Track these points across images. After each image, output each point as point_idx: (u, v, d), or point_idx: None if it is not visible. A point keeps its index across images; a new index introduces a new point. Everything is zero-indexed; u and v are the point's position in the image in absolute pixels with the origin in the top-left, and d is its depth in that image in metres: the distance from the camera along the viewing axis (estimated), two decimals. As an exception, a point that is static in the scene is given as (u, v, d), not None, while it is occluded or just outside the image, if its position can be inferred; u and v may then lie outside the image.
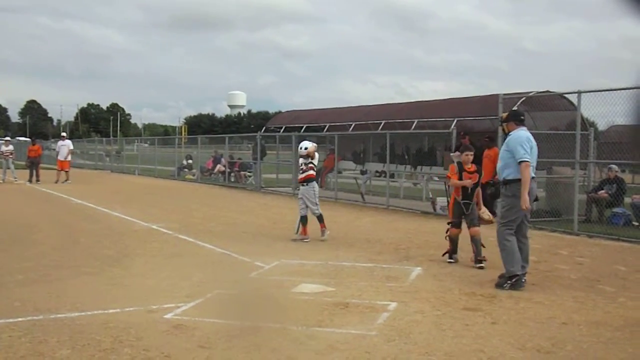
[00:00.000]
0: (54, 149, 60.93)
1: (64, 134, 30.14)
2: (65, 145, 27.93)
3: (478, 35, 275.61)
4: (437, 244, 10.92)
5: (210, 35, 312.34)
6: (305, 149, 12.00)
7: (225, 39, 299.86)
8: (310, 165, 11.89)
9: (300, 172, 12.03)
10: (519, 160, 7.99)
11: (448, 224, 9.64)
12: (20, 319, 6.29)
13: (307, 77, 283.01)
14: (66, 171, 27.46)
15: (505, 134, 8.51)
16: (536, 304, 7.19)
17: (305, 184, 11.85)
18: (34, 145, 28.96)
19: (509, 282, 7.85)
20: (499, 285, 7.89)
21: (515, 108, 9.06)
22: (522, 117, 8.42)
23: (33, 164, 27.66)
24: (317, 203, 11.79)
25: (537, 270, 9.12)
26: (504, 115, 8.66)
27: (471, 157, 9.61)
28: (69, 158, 27.97)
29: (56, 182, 26.79)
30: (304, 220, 11.67)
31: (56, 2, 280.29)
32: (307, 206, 11.72)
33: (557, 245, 11.54)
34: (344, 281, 8.26)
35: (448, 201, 9.63)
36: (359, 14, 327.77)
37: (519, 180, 7.97)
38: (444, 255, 9.59)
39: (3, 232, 12.59)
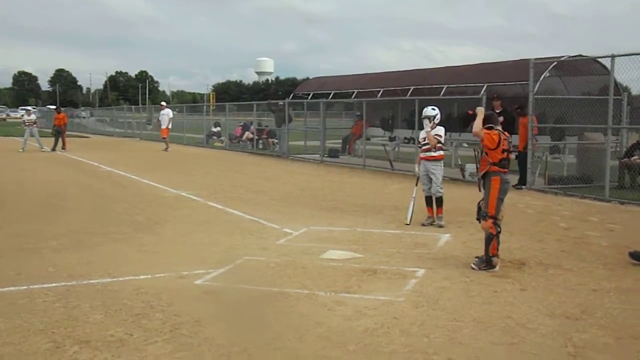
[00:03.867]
0: (84, 117, 61.89)
1: (163, 103, 30.74)
2: (165, 114, 28.88)
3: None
4: (466, 210, 10.86)
5: (230, 1, 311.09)
6: (434, 109, 10.04)
7: (246, 5, 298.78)
8: (440, 145, 10.06)
9: (428, 147, 10.01)
10: None
11: (490, 217, 7.20)
12: (54, 285, 6.43)
13: (330, 42, 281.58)
14: (164, 138, 28.56)
15: None
16: (565, 271, 7.14)
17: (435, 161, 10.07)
18: (59, 113, 29.28)
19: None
20: (637, 258, 7.37)
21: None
22: None
23: (58, 133, 27.98)
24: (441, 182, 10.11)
25: (567, 237, 9.04)
26: None
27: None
28: (170, 126, 28.93)
29: (166, 149, 28.14)
30: (429, 201, 10.08)
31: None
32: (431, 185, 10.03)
33: (588, 212, 11.41)
34: (372, 248, 8.28)
35: (477, 167, 8.68)
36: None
37: None
38: (485, 267, 7.15)
39: (35, 199, 12.80)
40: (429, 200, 10.10)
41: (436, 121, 9.99)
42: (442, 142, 10.13)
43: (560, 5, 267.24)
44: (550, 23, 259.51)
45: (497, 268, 7.09)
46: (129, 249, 8.29)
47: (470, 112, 7.67)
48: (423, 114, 10.17)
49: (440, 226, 9.83)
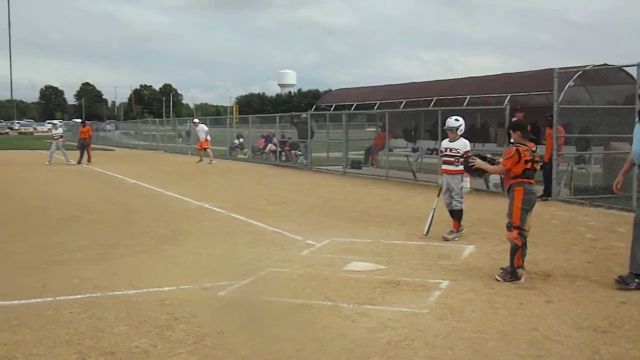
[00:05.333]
0: (109, 130, 62.56)
1: (196, 120, 31.39)
2: (200, 130, 29.48)
3: (522, 7, 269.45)
4: (490, 221, 10.79)
5: (250, 14, 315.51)
6: (457, 120, 9.77)
7: (266, 18, 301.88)
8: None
9: (451, 159, 9.70)
10: None
11: (515, 228, 7.12)
12: (79, 296, 6.48)
13: (350, 54, 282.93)
14: (205, 148, 29.13)
15: None
16: (592, 282, 7.04)
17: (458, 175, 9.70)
18: (84, 127, 29.67)
19: (637, 280, 6.79)
20: (624, 283, 6.79)
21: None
22: None
23: (83, 146, 28.31)
24: (463, 196, 9.86)
25: (594, 248, 8.92)
26: None
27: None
28: (208, 138, 29.48)
29: (199, 161, 28.69)
30: (458, 214, 9.76)
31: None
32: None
33: (615, 222, 11.26)
34: (395, 259, 8.24)
35: (501, 179, 8.60)
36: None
37: None
38: (510, 279, 7.05)
39: (61, 211, 12.94)
40: (451, 214, 9.83)
41: (459, 132, 9.73)
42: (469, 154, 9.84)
43: (578, 13, 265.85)
44: (569, 31, 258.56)
45: (522, 279, 7.01)
46: (153, 260, 8.34)
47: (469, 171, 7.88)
48: (446, 125, 9.94)
49: (446, 239, 9.47)
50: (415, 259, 8.25)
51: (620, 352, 4.92)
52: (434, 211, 9.92)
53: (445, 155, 9.86)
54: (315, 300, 6.31)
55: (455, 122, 9.73)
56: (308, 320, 5.69)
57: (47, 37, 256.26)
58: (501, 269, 7.26)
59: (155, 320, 5.69)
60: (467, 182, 9.62)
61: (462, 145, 9.68)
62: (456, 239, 9.58)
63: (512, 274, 7.04)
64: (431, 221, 9.85)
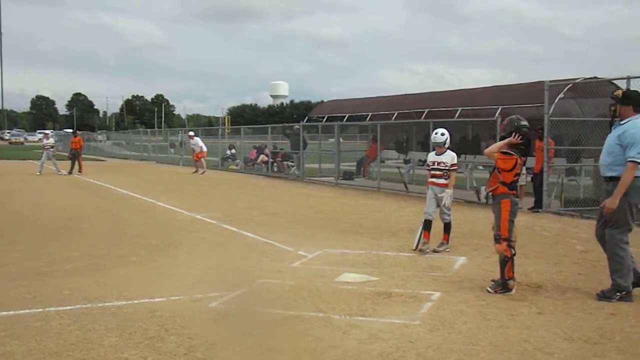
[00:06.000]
0: (100, 140, 62.47)
1: (191, 133, 31.30)
2: (195, 143, 29.42)
3: (514, 21, 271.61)
4: (481, 233, 10.81)
5: (242, 25, 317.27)
6: (442, 134, 9.70)
7: (258, 29, 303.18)
8: (453, 169, 9.69)
9: (440, 173, 9.65)
10: (629, 159, 6.65)
11: (504, 240, 7.09)
12: (69, 307, 6.44)
13: (343, 66, 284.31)
14: (197, 160, 29.14)
15: (614, 118, 7.15)
16: (583, 294, 7.06)
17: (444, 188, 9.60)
18: (75, 137, 29.61)
19: (618, 294, 6.78)
20: (606, 297, 6.79)
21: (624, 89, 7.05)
22: None
23: (74, 156, 28.23)
24: (450, 208, 9.76)
25: (585, 260, 8.95)
26: (620, 93, 7.19)
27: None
28: (205, 148, 29.47)
29: (195, 172, 28.71)
30: (428, 225, 9.64)
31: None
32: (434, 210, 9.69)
33: (605, 234, 11.28)
34: (387, 270, 8.24)
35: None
36: (391, 1, 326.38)
37: (636, 177, 6.72)
38: (502, 290, 7.05)
39: (51, 222, 12.89)
40: (427, 224, 9.62)
41: (447, 145, 9.70)
42: (454, 168, 9.75)
43: (570, 27, 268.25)
44: (561, 45, 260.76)
45: (513, 291, 7.02)
46: (144, 271, 8.30)
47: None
48: (432, 141, 9.88)
49: (436, 251, 9.42)
50: (407, 271, 8.25)
51: (611, 364, 4.93)
52: (421, 230, 9.77)
53: (433, 169, 9.75)
54: (306, 312, 6.29)
55: (442, 136, 9.66)
56: (300, 332, 5.68)
57: (39, 46, 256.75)
58: (492, 281, 7.27)
59: (146, 332, 5.66)
60: (449, 193, 9.53)
61: (450, 158, 9.67)
62: (447, 250, 9.58)
63: (503, 285, 7.05)
64: (420, 235, 9.75)
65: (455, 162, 9.78)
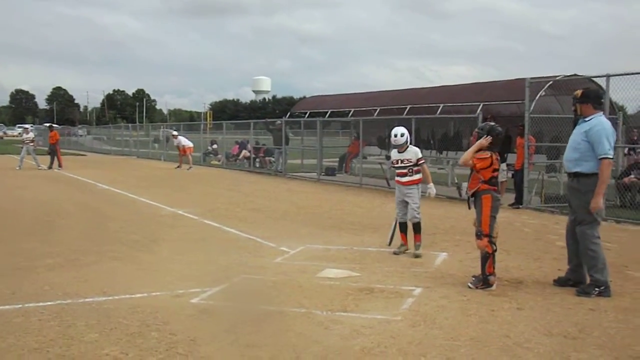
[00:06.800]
0: (81, 135, 61.94)
1: (175, 132, 31.12)
2: (179, 143, 29.39)
3: (495, 19, 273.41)
4: (463, 229, 10.87)
5: (224, 20, 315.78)
6: (402, 135, 9.29)
7: (240, 24, 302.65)
8: (418, 168, 9.34)
9: (404, 171, 9.33)
10: (602, 156, 6.85)
11: (485, 236, 7.15)
12: (49, 303, 6.39)
13: (324, 61, 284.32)
14: (186, 153, 29.03)
15: (577, 116, 7.30)
16: (563, 290, 7.12)
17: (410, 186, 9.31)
18: (51, 131, 29.36)
19: (596, 289, 6.87)
20: (585, 292, 6.88)
21: (586, 88, 7.32)
22: (602, 100, 7.30)
23: (53, 151, 27.99)
24: (419, 206, 9.41)
25: (565, 256, 9.00)
26: (579, 92, 7.32)
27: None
28: (190, 144, 29.48)
29: (178, 167, 28.80)
30: (403, 227, 9.42)
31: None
32: (406, 211, 9.39)
33: (585, 230, 11.39)
34: (369, 266, 8.27)
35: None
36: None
37: (596, 174, 6.93)
38: (483, 286, 7.10)
39: (31, 217, 12.77)
40: (403, 226, 9.39)
41: (408, 143, 9.33)
42: (422, 162, 9.41)
43: (551, 25, 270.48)
44: (542, 42, 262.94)
45: (494, 287, 7.07)
46: (125, 267, 8.26)
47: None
48: (393, 142, 9.40)
49: (417, 256, 8.92)
50: (389, 266, 8.28)
51: (589, 358, 4.99)
52: (396, 221, 9.72)
53: (398, 167, 9.39)
54: (288, 307, 6.30)
55: (401, 138, 9.25)
56: (281, 328, 5.68)
57: (18, 40, 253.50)
58: (473, 276, 7.32)
59: (127, 328, 5.63)
60: (432, 187, 9.50)
61: (413, 154, 9.32)
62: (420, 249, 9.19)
63: (484, 281, 7.10)
64: (393, 231, 9.70)
65: (420, 155, 9.41)
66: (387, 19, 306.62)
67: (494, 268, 7.13)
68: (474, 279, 7.24)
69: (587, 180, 6.98)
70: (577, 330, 5.67)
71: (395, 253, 9.18)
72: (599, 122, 7.02)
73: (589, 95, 7.28)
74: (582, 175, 7.03)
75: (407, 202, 9.32)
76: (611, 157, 6.90)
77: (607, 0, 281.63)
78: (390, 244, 9.60)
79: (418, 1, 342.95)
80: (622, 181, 14.25)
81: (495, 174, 7.31)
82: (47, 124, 35.83)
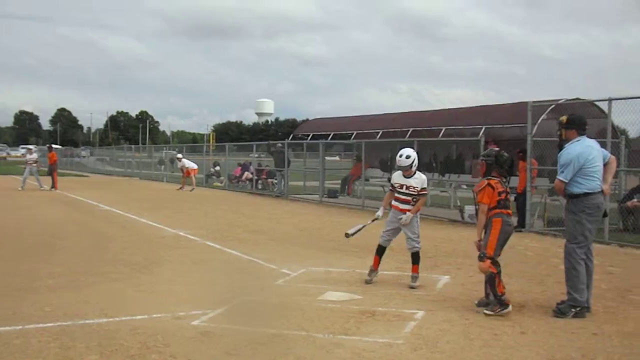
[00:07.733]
0: (84, 156, 62.10)
1: (179, 155, 31.21)
2: (183, 165, 29.48)
3: (495, 43, 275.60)
4: (465, 252, 10.84)
5: (226, 43, 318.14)
6: (408, 157, 8.60)
7: (242, 47, 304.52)
8: (423, 194, 8.72)
9: (408, 198, 8.63)
10: (557, 178, 7.28)
11: (488, 258, 7.06)
12: (49, 324, 6.36)
13: (326, 84, 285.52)
14: (189, 175, 29.04)
15: (562, 141, 7.52)
16: (566, 314, 7.07)
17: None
18: (49, 152, 29.44)
19: (572, 310, 6.96)
20: (561, 313, 6.95)
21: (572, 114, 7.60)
22: (586, 126, 7.58)
23: (52, 171, 28.04)
24: (419, 235, 8.74)
25: (567, 280, 8.98)
26: (564, 118, 7.57)
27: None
28: (194, 166, 29.54)
29: (180, 189, 28.87)
30: (381, 250, 8.83)
31: (78, 12, 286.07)
32: (393, 238, 8.89)
33: (588, 254, 11.34)
34: (370, 289, 8.23)
35: (476, 210, 8.31)
36: (373, 21, 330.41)
37: (586, 194, 7.12)
38: (500, 309, 6.96)
39: (33, 238, 12.76)
40: (381, 250, 8.77)
41: (414, 168, 8.60)
42: (425, 193, 8.77)
43: (550, 48, 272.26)
44: (541, 65, 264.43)
45: (510, 306, 6.96)
46: (126, 288, 8.23)
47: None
48: (398, 165, 8.70)
49: (412, 287, 8.32)
50: (391, 289, 8.25)
51: (593, 384, 4.94)
52: (364, 227, 9.18)
53: (401, 193, 8.66)
54: (289, 330, 6.26)
55: (407, 159, 8.55)
56: (282, 351, 5.64)
57: (23, 61, 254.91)
58: (480, 302, 7.23)
59: (127, 350, 5.60)
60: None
61: (420, 182, 8.64)
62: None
63: (500, 303, 6.98)
64: (359, 230, 9.14)
65: (425, 185, 8.73)
66: (388, 43, 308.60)
67: (504, 287, 7.04)
68: (487, 305, 7.07)
69: (576, 201, 7.21)
70: (580, 355, 5.62)
71: (367, 282, 8.62)
72: (568, 147, 7.38)
73: (574, 121, 7.61)
74: (572, 196, 7.26)
75: (399, 230, 8.72)
76: (561, 179, 7.21)
77: (605, 27, 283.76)
78: (348, 237, 9.14)
79: (419, 25, 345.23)
80: (625, 205, 14.22)
81: (503, 196, 7.25)
82: (47, 145, 36.04)
